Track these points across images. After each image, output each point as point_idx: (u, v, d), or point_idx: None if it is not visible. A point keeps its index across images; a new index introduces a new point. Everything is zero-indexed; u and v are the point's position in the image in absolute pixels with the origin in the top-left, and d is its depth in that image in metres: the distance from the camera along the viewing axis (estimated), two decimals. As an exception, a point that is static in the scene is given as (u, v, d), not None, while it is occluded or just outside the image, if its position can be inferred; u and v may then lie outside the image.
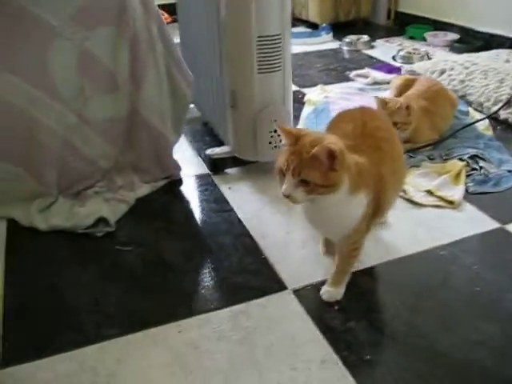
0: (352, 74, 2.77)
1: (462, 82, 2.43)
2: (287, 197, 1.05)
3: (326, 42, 3.52)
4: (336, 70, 2.94)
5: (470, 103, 2.35)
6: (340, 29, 3.69)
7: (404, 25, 3.71)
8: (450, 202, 1.62)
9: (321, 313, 1.22)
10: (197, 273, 1.37)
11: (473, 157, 1.85)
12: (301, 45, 3.40)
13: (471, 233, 1.49)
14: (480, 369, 1.07)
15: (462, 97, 2.38)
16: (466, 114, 2.26)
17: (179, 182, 1.78)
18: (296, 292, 1.28)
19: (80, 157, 1.62)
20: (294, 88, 2.60)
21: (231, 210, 1.62)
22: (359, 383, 1.04)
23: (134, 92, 1.60)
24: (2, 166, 1.54)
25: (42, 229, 1.53)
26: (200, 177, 1.82)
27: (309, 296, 1.27)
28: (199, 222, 1.58)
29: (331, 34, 3.59)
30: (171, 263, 1.41)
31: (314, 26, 3.80)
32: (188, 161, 1.92)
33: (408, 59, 3.02)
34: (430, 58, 3.06)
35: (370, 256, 1.39)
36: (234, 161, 1.79)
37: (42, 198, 1.60)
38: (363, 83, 2.63)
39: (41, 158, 1.55)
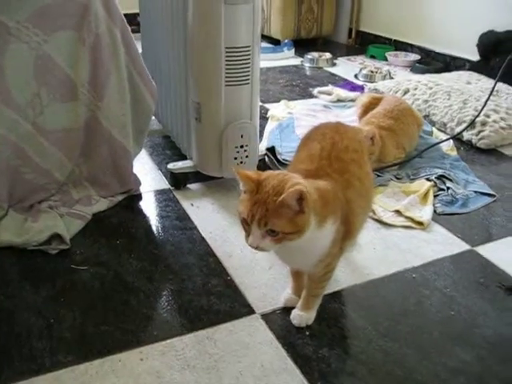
0: (315, 90, 2.74)
1: (426, 101, 2.43)
2: (255, 248, 0.99)
3: (288, 57, 3.49)
4: (299, 86, 2.91)
5: (433, 123, 2.35)
6: (302, 45, 3.67)
7: (365, 44, 3.74)
8: (419, 223, 1.59)
9: (292, 339, 1.15)
10: (159, 295, 1.28)
11: (440, 177, 1.83)
12: (263, 60, 3.35)
13: (442, 255, 1.46)
14: (459, 399, 1.03)
15: (426, 116, 2.38)
16: (430, 133, 2.25)
17: (139, 197, 1.69)
18: (264, 316, 1.21)
19: (33, 168, 1.51)
20: (257, 103, 2.55)
21: (194, 227, 1.54)
22: (335, 416, 0.98)
23: (95, 101, 1.51)
24: None
25: (-10, 245, 1.42)
26: (161, 192, 1.73)
27: (278, 321, 1.20)
28: (160, 240, 1.49)
29: (293, 50, 3.57)
30: (131, 284, 1.31)
31: (275, 42, 3.77)
32: (148, 175, 1.83)
33: (370, 78, 3.02)
34: (391, 78, 3.07)
35: (341, 279, 1.34)
36: (197, 176, 1.72)
37: (-9, 211, 1.48)
38: (327, 100, 2.60)
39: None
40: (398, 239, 1.52)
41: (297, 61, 3.45)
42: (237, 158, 1.61)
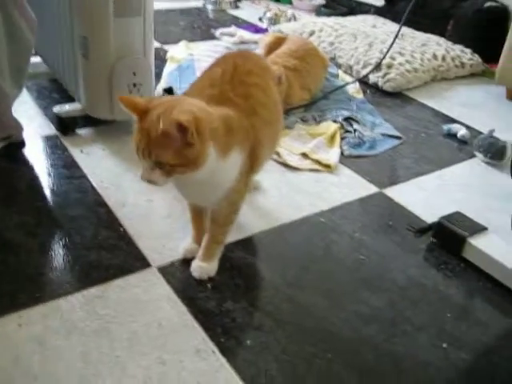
0: (218, 32, 2.59)
1: (332, 44, 2.36)
2: (147, 182, 0.89)
3: (189, -1, 3.30)
4: (200, 28, 2.74)
5: (339, 66, 2.28)
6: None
7: (269, -12, 3.59)
8: (327, 166, 1.52)
9: (192, 293, 1.05)
10: (43, 252, 1.13)
11: (346, 119, 1.76)
12: (164, 1, 3.15)
13: (350, 198, 1.41)
14: (372, 346, 0.97)
15: (332, 59, 2.31)
16: (336, 76, 2.18)
17: (21, 144, 1.50)
18: (162, 270, 1.10)
19: None
20: (156, 45, 2.38)
21: (83, 176, 1.38)
22: (240, 373, 0.89)
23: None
24: None
25: None
26: (46, 138, 1.55)
27: (177, 274, 1.09)
28: (45, 192, 1.33)
29: (194, -8, 3.37)
30: (11, 241, 1.15)
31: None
32: (32, 120, 1.63)
33: (275, 21, 2.91)
34: (296, 21, 2.96)
35: (245, 225, 1.25)
36: (87, 120, 1.55)
37: None
38: (230, 42, 2.47)
39: None
40: (305, 183, 1.45)
41: (199, 3, 3.26)
42: (130, 99, 1.46)
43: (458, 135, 1.80)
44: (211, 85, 1.02)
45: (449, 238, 1.23)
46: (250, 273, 1.12)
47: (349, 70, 2.24)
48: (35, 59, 1.81)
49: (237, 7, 3.21)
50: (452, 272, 1.18)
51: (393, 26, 2.62)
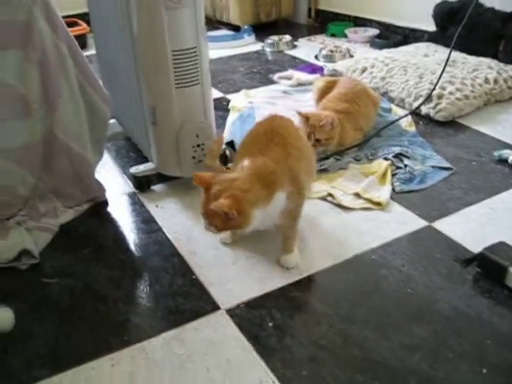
0: (275, 76, 2.76)
1: (383, 79, 2.47)
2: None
3: (248, 44, 3.51)
4: (260, 72, 2.93)
5: (391, 100, 2.39)
6: (262, 30, 3.68)
7: (325, 22, 3.75)
8: (378, 204, 1.63)
9: (256, 331, 1.20)
10: (127, 300, 1.32)
11: (397, 155, 1.87)
12: (224, 48, 3.38)
13: (400, 234, 1.51)
14: (415, 373, 1.08)
15: (384, 94, 2.42)
16: (389, 110, 2.29)
17: (105, 203, 1.72)
18: (229, 311, 1.26)
19: (-3, 186, 1.54)
20: (219, 95, 2.58)
21: (159, 229, 1.58)
22: (297, 402, 1.03)
23: (49, 115, 1.53)
24: None
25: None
26: (126, 196, 1.77)
27: (242, 315, 1.25)
28: (127, 246, 1.53)
29: (253, 36, 3.58)
30: (100, 292, 1.35)
31: (236, 29, 3.78)
32: (113, 180, 1.86)
33: (330, 58, 3.05)
34: (351, 55, 3.10)
35: (302, 267, 1.39)
36: (160, 177, 1.75)
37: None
38: (287, 85, 2.63)
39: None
40: (357, 222, 1.57)
41: (258, 46, 3.46)
42: (195, 157, 1.65)
43: (509, 160, 1.86)
44: (257, 141, 1.38)
45: (491, 268, 1.32)
46: (306, 310, 1.26)
47: (401, 103, 2.35)
48: (112, 121, 2.06)
49: (294, 47, 3.39)
50: (495, 300, 1.27)
51: (444, 54, 2.67)
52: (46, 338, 1.22)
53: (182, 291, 1.33)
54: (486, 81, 2.38)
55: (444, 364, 1.10)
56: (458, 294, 1.29)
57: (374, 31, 3.43)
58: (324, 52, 3.10)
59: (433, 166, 1.83)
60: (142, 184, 1.75)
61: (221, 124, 2.22)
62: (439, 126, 2.18)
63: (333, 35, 3.61)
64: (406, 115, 2.21)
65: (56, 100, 1.52)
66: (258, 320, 1.23)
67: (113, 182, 1.84)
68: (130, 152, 2.05)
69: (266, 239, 1.50)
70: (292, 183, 1.32)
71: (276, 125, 1.41)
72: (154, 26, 1.48)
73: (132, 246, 1.52)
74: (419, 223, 1.56)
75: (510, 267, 1.29)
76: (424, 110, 2.24)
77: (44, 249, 1.52)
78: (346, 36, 3.51)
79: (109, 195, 1.74)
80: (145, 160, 1.84)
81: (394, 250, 1.45)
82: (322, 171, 1.80)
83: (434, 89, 2.23)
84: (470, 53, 2.70)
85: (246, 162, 1.29)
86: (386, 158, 1.86)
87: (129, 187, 1.81)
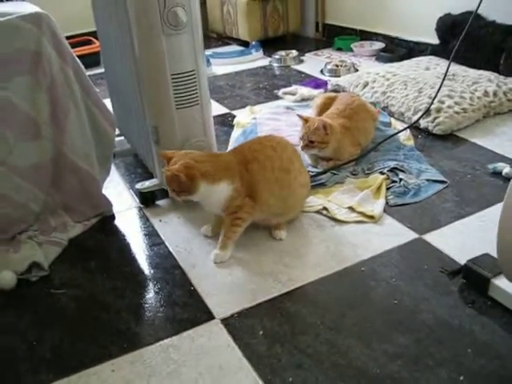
0: (280, 92, 2.85)
1: (384, 93, 2.54)
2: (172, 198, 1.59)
3: (256, 59, 3.59)
4: (266, 88, 3.02)
5: (392, 114, 2.46)
6: (270, 44, 3.78)
7: (332, 36, 3.83)
8: (371, 217, 1.70)
9: (247, 339, 1.27)
10: (129, 310, 1.41)
11: (392, 169, 1.93)
12: (232, 64, 3.47)
13: (390, 246, 1.58)
14: (395, 380, 1.15)
15: (385, 108, 2.49)
16: (388, 124, 2.36)
17: (111, 217, 1.82)
18: (224, 321, 1.34)
19: (9, 203, 1.64)
20: (225, 111, 2.67)
21: (162, 242, 1.67)
22: (282, 406, 1.10)
23: (58, 136, 1.63)
24: None
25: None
26: (132, 211, 1.86)
27: (236, 324, 1.33)
28: (132, 258, 1.62)
29: (261, 51, 3.66)
30: (104, 302, 1.44)
31: (245, 44, 3.88)
32: (121, 195, 1.96)
33: (335, 72, 3.13)
34: (356, 70, 3.17)
35: (294, 277, 1.46)
36: (164, 193, 1.84)
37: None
38: (291, 100, 2.71)
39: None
40: (350, 235, 1.64)
41: (265, 61, 3.55)
42: (196, 174, 1.73)
43: (503, 173, 1.91)
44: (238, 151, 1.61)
45: (475, 279, 1.39)
46: (295, 320, 1.33)
47: (401, 117, 2.42)
48: (121, 138, 2.16)
49: (301, 61, 3.47)
50: (478, 310, 1.33)
51: (445, 67, 2.70)
52: (53, 345, 1.32)
53: (181, 301, 1.41)
54: (486, 94, 2.44)
55: (424, 371, 1.17)
56: (443, 304, 1.35)
57: (379, 45, 3.50)
58: (329, 66, 3.18)
59: (427, 180, 1.89)
60: (147, 199, 1.85)
61: (225, 140, 2.30)
62: (437, 140, 2.24)
63: (339, 49, 3.68)
64: (405, 129, 2.27)
65: (64, 122, 1.63)
66: (250, 329, 1.30)
67: (120, 197, 1.94)
68: (137, 168, 2.14)
69: (261, 252, 1.58)
70: (246, 185, 1.52)
71: (255, 148, 1.58)
72: (154, 51, 1.57)
73: (136, 259, 1.61)
74: (410, 236, 1.62)
75: (493, 279, 1.35)
76: (423, 123, 2.30)
77: (53, 261, 1.61)
78: (352, 50, 3.58)
79: (116, 210, 1.84)
80: (150, 176, 1.93)
81: (384, 261, 1.51)
82: (319, 185, 1.87)
83: (432, 103, 2.29)
84: (472, 66, 2.76)
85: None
86: (382, 172, 1.92)
87: (135, 202, 1.91)
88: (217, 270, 1.53)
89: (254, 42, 3.72)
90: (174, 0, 1.51)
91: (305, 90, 2.77)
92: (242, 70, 3.40)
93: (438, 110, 2.30)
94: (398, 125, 2.37)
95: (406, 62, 2.96)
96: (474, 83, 2.52)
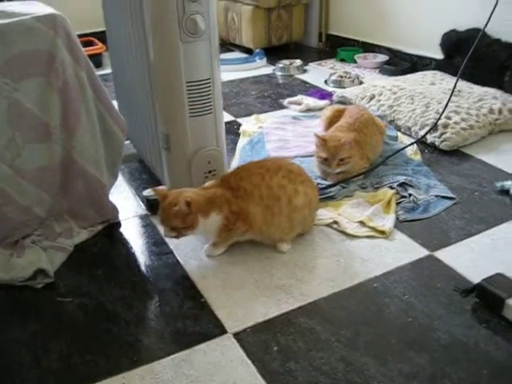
0: (286, 101, 2.83)
1: (391, 107, 2.53)
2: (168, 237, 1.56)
3: (260, 67, 3.58)
4: (270, 96, 3.00)
5: (398, 128, 2.45)
6: (273, 53, 3.77)
7: (335, 47, 3.83)
8: (382, 232, 1.69)
9: (261, 355, 1.25)
10: (138, 321, 1.38)
11: (402, 184, 1.92)
12: (236, 71, 3.46)
13: (402, 262, 1.56)
14: (412, 401, 1.13)
15: (391, 122, 2.48)
16: (395, 138, 2.35)
17: (118, 224, 1.79)
18: (236, 335, 1.31)
19: (14, 206, 1.60)
20: (230, 118, 2.65)
21: (170, 252, 1.64)
22: (299, 426, 1.08)
23: (67, 140, 1.61)
24: None
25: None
26: (139, 218, 1.83)
27: (248, 338, 1.30)
28: (139, 267, 1.59)
29: (265, 59, 3.65)
30: (112, 312, 1.41)
31: (248, 51, 3.87)
32: (127, 202, 1.93)
33: (339, 83, 3.12)
34: (360, 82, 3.17)
35: (307, 293, 1.44)
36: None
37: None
38: (297, 110, 2.70)
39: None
40: (361, 250, 1.63)
41: (269, 69, 3.54)
42: (206, 183, 1.71)
43: (511, 191, 1.91)
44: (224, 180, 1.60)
45: (489, 299, 1.37)
46: (310, 336, 1.31)
47: (408, 131, 2.41)
48: (127, 143, 2.12)
49: (304, 71, 3.46)
50: (493, 330, 1.32)
51: (450, 82, 2.74)
52: (60, 355, 1.28)
53: (191, 314, 1.39)
54: (491, 111, 2.44)
55: (440, 392, 1.15)
56: (457, 324, 1.34)
57: (383, 57, 3.50)
58: (333, 77, 3.17)
59: (436, 196, 1.89)
60: (154, 207, 1.81)
61: (231, 148, 2.28)
62: (444, 155, 2.24)
63: (342, 60, 3.68)
64: (412, 143, 2.27)
65: (75, 126, 1.60)
66: (264, 344, 1.28)
67: (126, 203, 1.91)
68: (142, 174, 2.12)
69: (274, 264, 1.56)
70: (236, 210, 1.53)
71: (241, 176, 1.57)
72: (170, 58, 1.55)
73: (144, 268, 1.58)
74: (421, 252, 1.61)
75: (507, 299, 1.34)
76: (429, 138, 2.30)
77: (59, 268, 1.58)
78: (355, 61, 3.58)
79: (122, 217, 1.81)
80: (157, 182, 1.90)
81: (396, 278, 1.50)
82: (328, 198, 1.86)
83: (439, 118, 2.29)
84: (476, 82, 2.77)
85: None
86: (391, 187, 1.91)
87: (141, 209, 1.88)
88: (228, 282, 1.50)
89: (257, 50, 3.71)
90: (194, 7, 1.50)
91: (310, 101, 2.76)
92: (246, 77, 3.38)
93: (445, 126, 2.29)
94: (404, 139, 2.36)
95: (410, 76, 2.95)
96: (480, 100, 2.53)
